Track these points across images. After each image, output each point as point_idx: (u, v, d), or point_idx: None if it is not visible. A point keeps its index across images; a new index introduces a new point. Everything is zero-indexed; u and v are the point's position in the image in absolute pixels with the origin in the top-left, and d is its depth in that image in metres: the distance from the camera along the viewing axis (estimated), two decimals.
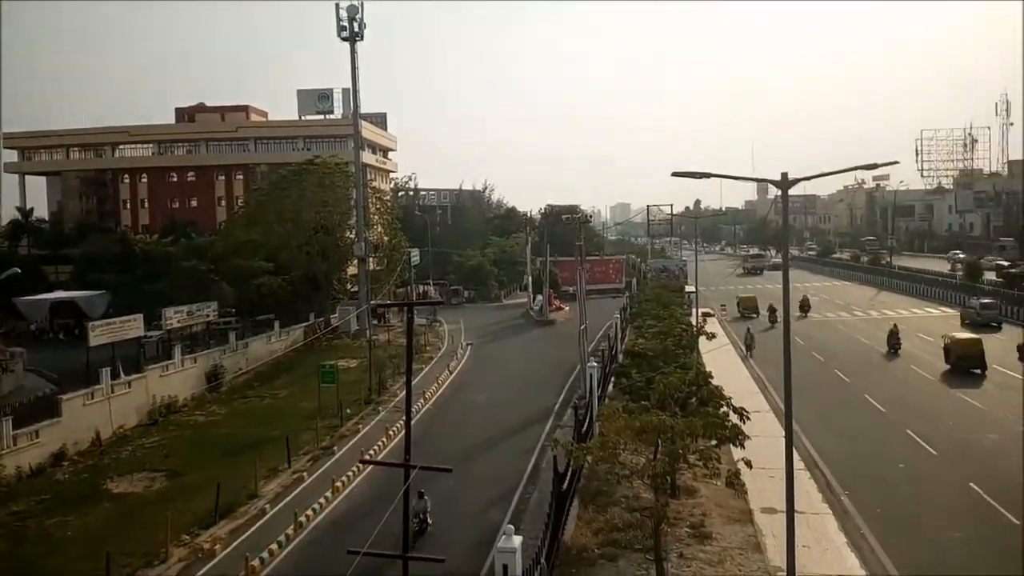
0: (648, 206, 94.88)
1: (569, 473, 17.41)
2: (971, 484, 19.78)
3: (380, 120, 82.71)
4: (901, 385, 32.41)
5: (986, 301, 47.60)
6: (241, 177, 76.06)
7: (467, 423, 29.18)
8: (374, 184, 67.37)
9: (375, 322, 40.59)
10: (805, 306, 52.77)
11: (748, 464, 14.96)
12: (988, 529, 17.28)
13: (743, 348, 38.15)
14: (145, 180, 77.93)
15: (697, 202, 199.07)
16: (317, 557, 17.50)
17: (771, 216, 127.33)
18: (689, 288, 58.53)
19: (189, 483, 23.03)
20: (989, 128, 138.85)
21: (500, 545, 11.41)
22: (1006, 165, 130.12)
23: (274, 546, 18.01)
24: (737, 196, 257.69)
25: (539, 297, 59.23)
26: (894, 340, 37.67)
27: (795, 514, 13.64)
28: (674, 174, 13.01)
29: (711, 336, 33.41)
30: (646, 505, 15.83)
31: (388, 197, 71.49)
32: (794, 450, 22.36)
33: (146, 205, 78.17)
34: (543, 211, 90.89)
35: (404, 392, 31.77)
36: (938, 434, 24.55)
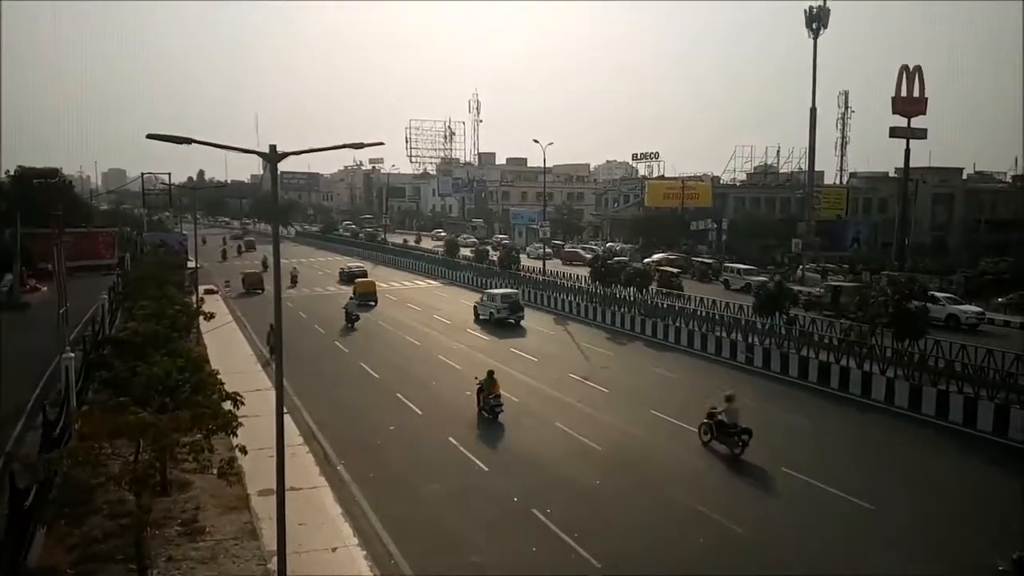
0: (143, 174, 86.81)
1: (35, 487, 14.90)
2: (449, 438, 22.44)
3: None
4: (394, 352, 35.34)
5: None
6: None
7: None
8: None
9: None
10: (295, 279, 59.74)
11: (243, 451, 14.57)
12: (462, 477, 19.71)
13: (265, 350, 33.45)
14: None
15: (201, 172, 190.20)
16: None
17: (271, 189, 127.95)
18: (191, 264, 55.47)
19: None
20: (464, 123, 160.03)
21: None
22: (477, 156, 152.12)
23: None
24: (245, 170, 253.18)
25: (8, 276, 49.98)
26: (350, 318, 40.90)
27: (291, 491, 13.75)
28: (149, 136, 11.35)
29: (209, 316, 32.00)
30: (132, 509, 14.36)
31: None
32: (294, 425, 22.87)
33: None
34: (12, 173, 77.29)
35: None
36: (423, 395, 27.38)
